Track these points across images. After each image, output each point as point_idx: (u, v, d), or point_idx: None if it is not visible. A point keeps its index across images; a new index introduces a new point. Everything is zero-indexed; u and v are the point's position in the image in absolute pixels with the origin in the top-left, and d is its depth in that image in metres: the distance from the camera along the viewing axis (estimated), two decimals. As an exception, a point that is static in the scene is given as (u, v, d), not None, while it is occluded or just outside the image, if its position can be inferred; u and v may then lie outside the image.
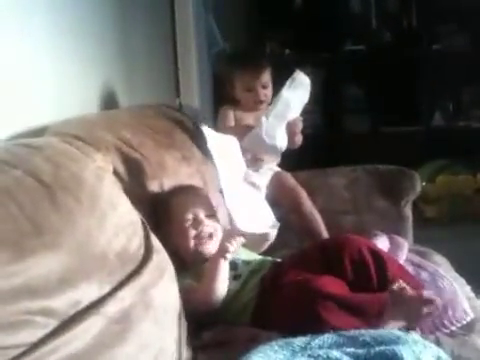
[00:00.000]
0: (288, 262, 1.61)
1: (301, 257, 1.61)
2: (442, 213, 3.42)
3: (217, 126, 2.13)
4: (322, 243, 1.72)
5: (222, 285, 1.47)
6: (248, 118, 2.11)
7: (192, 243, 1.57)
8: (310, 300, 1.32)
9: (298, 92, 1.93)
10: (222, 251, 1.46)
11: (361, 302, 1.35)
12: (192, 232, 1.57)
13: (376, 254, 1.51)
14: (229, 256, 1.46)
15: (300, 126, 2.01)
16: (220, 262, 1.45)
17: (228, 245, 1.45)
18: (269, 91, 2.09)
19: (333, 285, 1.39)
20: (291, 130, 1.99)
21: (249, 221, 1.71)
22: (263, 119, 1.92)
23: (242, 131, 1.98)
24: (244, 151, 1.95)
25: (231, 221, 1.74)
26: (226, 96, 2.14)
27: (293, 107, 1.95)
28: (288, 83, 1.91)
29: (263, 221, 1.80)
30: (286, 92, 1.91)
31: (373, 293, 1.42)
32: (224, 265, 1.47)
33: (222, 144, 1.76)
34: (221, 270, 1.46)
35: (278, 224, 1.82)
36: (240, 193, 1.74)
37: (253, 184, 1.93)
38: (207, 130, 1.72)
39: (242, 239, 1.47)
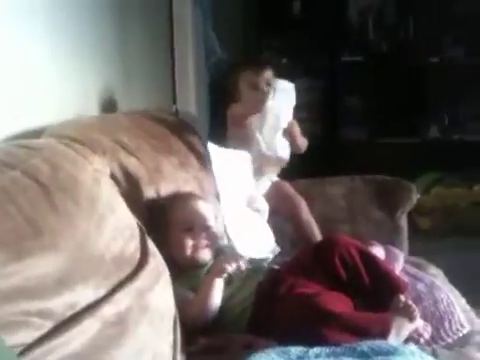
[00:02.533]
0: (284, 269, 1.61)
1: (295, 262, 1.62)
2: (436, 225, 3.42)
3: (228, 126, 2.13)
4: (313, 245, 1.72)
5: (216, 301, 1.46)
6: (252, 120, 2.09)
7: (188, 251, 1.57)
8: (314, 319, 1.31)
9: (283, 99, 1.96)
10: (219, 271, 1.46)
11: (365, 323, 1.34)
12: (189, 241, 1.57)
13: (364, 252, 1.54)
14: (225, 276, 1.46)
15: (297, 129, 2.03)
16: (216, 281, 1.45)
17: (226, 266, 1.44)
18: (272, 91, 2.07)
19: (337, 303, 1.38)
20: (290, 134, 2.01)
21: (248, 246, 1.68)
22: (258, 136, 1.94)
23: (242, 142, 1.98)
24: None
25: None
26: (231, 102, 2.13)
27: (282, 114, 1.97)
28: (270, 95, 1.94)
29: (263, 246, 1.77)
30: (271, 103, 1.93)
31: (370, 296, 1.46)
32: (219, 283, 1.46)
33: (229, 163, 1.71)
34: (216, 288, 1.46)
35: (278, 250, 1.80)
36: (241, 216, 1.70)
37: (257, 210, 1.88)
38: (213, 148, 1.66)
39: (243, 265, 1.45)
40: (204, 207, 1.66)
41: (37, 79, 1.58)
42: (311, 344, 1.23)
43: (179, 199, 1.65)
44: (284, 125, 2.00)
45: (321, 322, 1.30)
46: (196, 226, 1.59)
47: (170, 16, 2.96)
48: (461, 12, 3.65)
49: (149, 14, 2.65)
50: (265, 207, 1.74)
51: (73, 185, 1.20)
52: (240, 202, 1.63)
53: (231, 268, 1.44)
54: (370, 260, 1.53)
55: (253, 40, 3.79)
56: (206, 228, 1.60)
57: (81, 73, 1.86)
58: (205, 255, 1.58)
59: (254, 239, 1.61)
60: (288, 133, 2.00)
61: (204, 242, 1.58)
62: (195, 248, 1.57)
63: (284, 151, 2.02)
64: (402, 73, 3.71)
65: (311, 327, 1.29)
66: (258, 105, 2.02)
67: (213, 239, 1.60)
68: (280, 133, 2.00)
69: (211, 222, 1.63)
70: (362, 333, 1.29)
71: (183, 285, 1.48)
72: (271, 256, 1.76)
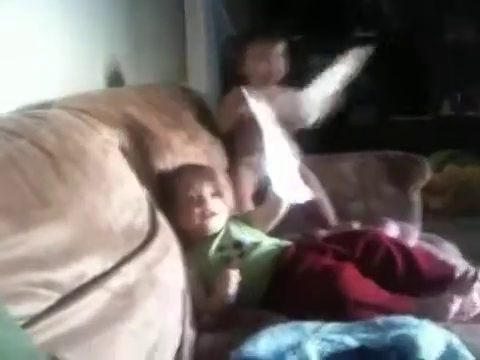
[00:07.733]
0: (305, 247, 1.56)
1: (323, 244, 1.57)
2: (448, 204, 3.38)
3: (224, 103, 2.06)
4: (350, 234, 1.67)
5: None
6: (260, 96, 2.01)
7: (196, 220, 1.55)
8: (330, 277, 1.33)
9: (347, 66, 1.90)
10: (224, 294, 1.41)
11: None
12: (196, 210, 1.55)
13: (404, 249, 1.50)
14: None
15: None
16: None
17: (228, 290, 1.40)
18: (282, 66, 1.98)
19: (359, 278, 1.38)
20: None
21: (291, 190, 1.59)
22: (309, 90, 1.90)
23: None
24: None
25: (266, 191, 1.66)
26: (236, 77, 2.04)
27: (338, 81, 1.95)
28: (342, 59, 1.88)
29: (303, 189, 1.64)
30: (336, 68, 1.88)
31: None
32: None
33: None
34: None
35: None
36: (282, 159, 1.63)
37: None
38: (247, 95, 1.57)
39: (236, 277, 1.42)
40: (211, 176, 1.64)
41: (44, 52, 1.55)
42: (330, 307, 1.26)
43: (186, 170, 1.63)
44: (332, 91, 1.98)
45: (337, 275, 1.32)
46: (202, 194, 1.57)
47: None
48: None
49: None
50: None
51: (81, 155, 1.17)
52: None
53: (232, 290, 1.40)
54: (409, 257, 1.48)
55: (264, 16, 3.74)
56: (213, 196, 1.58)
57: (89, 46, 1.83)
58: (213, 224, 1.56)
59: (295, 182, 1.56)
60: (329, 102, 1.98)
61: (210, 211, 1.56)
62: (203, 216, 1.55)
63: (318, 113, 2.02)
64: (414, 50, 3.65)
65: (328, 285, 1.31)
66: (267, 78, 1.93)
67: (220, 209, 1.58)
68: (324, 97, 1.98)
69: (218, 192, 1.61)
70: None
71: (192, 264, 1.45)
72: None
